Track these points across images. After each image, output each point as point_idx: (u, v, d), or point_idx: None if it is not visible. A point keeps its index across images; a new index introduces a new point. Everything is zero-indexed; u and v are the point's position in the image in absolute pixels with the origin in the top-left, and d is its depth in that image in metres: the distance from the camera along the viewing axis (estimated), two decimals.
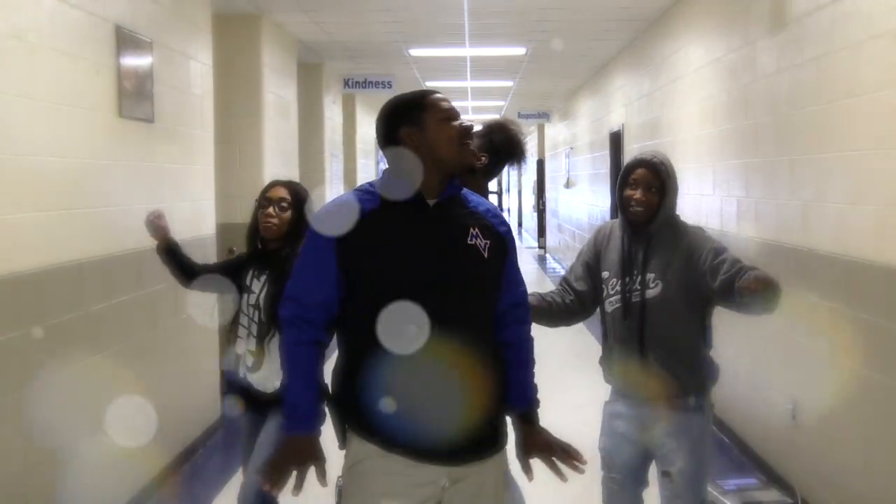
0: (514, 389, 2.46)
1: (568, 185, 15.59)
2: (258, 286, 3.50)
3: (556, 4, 7.73)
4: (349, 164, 13.36)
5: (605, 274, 3.31)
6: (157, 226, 3.77)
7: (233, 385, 3.64)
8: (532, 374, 2.53)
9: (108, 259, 4.48)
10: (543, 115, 18.26)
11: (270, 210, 3.52)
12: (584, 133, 13.87)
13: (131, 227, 4.78)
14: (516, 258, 2.53)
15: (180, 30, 5.63)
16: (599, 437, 3.43)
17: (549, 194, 20.42)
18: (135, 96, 4.79)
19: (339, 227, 2.32)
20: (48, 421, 3.87)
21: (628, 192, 3.25)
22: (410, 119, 2.38)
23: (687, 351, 3.24)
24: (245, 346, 3.51)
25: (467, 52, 10.34)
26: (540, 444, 2.47)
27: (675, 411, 3.22)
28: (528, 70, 11.93)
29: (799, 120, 4.75)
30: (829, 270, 4.37)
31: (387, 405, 2.27)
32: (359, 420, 2.32)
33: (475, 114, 18.95)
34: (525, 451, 2.48)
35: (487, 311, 2.43)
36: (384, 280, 2.28)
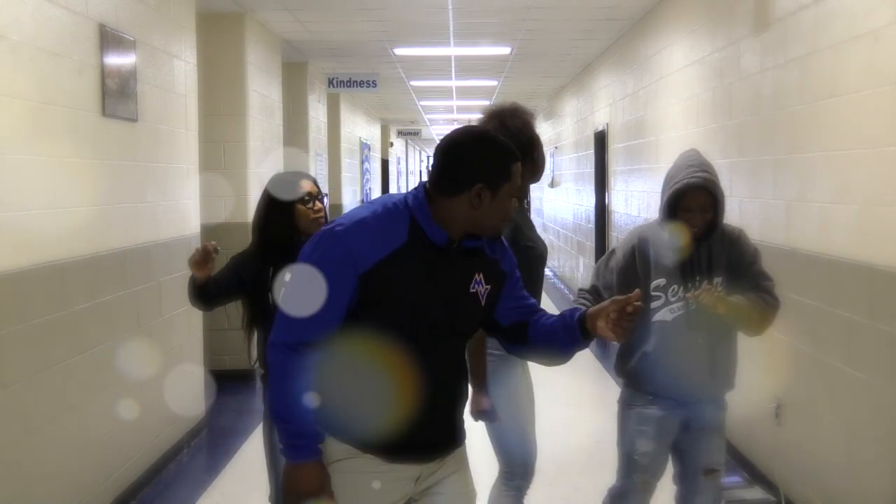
0: (560, 330, 2.37)
1: (552, 184, 15.62)
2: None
3: (541, 4, 7.74)
4: (333, 163, 13.34)
5: (661, 281, 3.27)
6: (206, 262, 3.46)
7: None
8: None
9: (91, 258, 4.45)
10: (530, 115, 18.25)
11: (318, 205, 3.43)
12: (569, 132, 13.90)
13: (115, 227, 4.77)
14: (516, 280, 2.48)
15: (164, 29, 5.61)
16: (625, 440, 3.43)
17: (533, 194, 20.43)
18: (118, 95, 4.76)
19: (370, 253, 2.20)
20: (30, 421, 3.85)
21: (684, 216, 3.23)
22: (491, 181, 2.23)
23: (735, 350, 3.39)
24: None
25: (452, 51, 10.34)
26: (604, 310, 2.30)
27: (717, 409, 3.38)
28: (513, 69, 11.94)
29: (782, 119, 4.78)
30: (811, 269, 4.39)
31: (362, 408, 2.28)
32: (332, 421, 2.32)
33: (460, 113, 18.98)
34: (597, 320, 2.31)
35: (462, 340, 2.46)
36: (385, 318, 2.24)
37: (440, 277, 2.27)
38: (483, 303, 2.37)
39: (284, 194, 3.43)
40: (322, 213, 3.45)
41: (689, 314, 3.24)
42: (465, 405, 2.49)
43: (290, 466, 2.24)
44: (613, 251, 3.45)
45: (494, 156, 2.25)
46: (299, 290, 2.23)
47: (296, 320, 2.22)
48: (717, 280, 3.24)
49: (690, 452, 3.38)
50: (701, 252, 3.27)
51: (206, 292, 3.49)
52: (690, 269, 3.24)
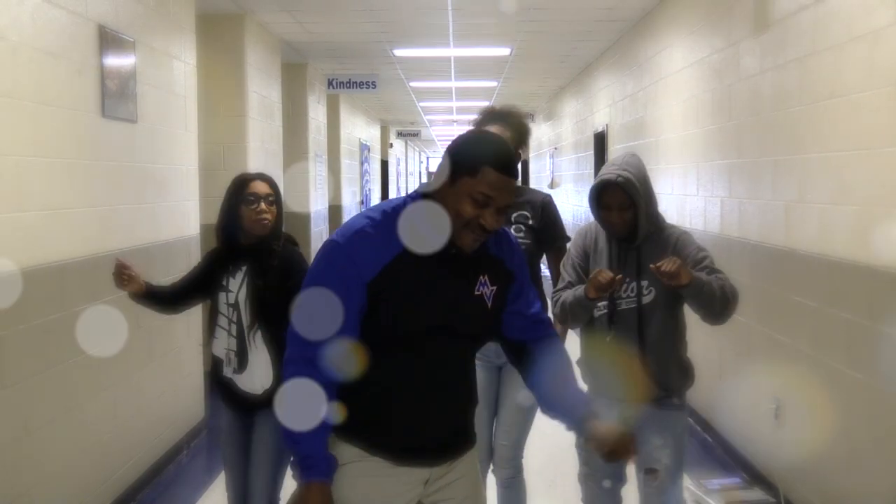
0: (569, 403, 2.41)
1: (552, 185, 15.61)
2: (235, 284, 3.42)
3: (541, 5, 7.74)
4: (333, 164, 13.35)
5: None
6: (124, 277, 3.64)
7: (218, 385, 3.60)
8: (576, 385, 2.50)
9: (91, 259, 4.45)
10: (528, 116, 18.26)
11: (263, 206, 3.41)
12: (569, 133, 13.90)
13: (114, 228, 4.77)
14: (527, 291, 2.46)
15: (164, 29, 5.61)
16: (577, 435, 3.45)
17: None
18: (118, 96, 4.76)
19: (373, 261, 2.19)
20: (30, 422, 3.85)
21: (603, 213, 3.27)
22: (454, 167, 2.19)
23: (675, 352, 3.33)
24: (225, 346, 3.45)
25: (452, 52, 10.35)
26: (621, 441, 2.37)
27: (661, 410, 3.28)
28: (513, 70, 11.95)
29: (782, 120, 4.78)
30: (811, 270, 4.39)
31: (370, 411, 2.27)
32: (342, 426, 2.31)
33: (459, 114, 18.97)
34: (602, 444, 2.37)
35: (480, 342, 2.46)
36: (392, 325, 2.23)
37: (441, 280, 2.25)
38: (490, 304, 2.34)
39: (235, 195, 3.46)
40: (266, 217, 3.41)
41: (613, 314, 3.25)
42: (474, 408, 2.47)
43: (301, 485, 2.21)
44: (569, 250, 3.49)
45: (470, 147, 2.23)
46: (310, 309, 2.21)
47: (302, 336, 2.20)
48: (644, 283, 3.23)
49: (637, 453, 3.36)
50: (629, 256, 3.27)
51: (158, 298, 3.72)
52: (620, 270, 3.22)
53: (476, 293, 2.32)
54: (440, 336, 2.27)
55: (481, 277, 2.32)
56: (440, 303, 2.25)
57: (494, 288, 2.35)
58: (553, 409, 2.46)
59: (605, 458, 2.35)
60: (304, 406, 2.18)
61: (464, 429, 2.43)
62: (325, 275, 2.21)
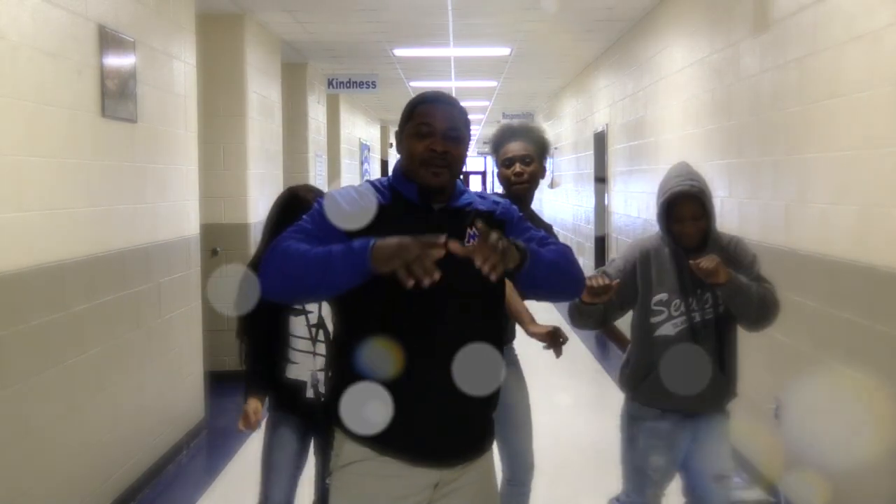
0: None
1: (552, 185, 15.62)
2: (312, 304, 3.34)
3: (541, 4, 7.74)
4: (333, 164, 13.34)
5: (663, 296, 3.26)
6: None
7: (281, 398, 3.45)
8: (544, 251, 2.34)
9: (91, 259, 4.45)
10: (528, 116, 18.28)
11: None
12: (569, 133, 13.90)
13: (114, 228, 4.77)
14: (522, 226, 2.43)
15: (164, 29, 5.61)
16: (636, 454, 3.39)
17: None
18: (118, 96, 4.76)
19: (353, 218, 2.26)
20: (30, 422, 3.85)
21: (676, 227, 3.24)
22: (400, 125, 2.38)
23: (736, 360, 3.40)
24: (311, 368, 3.35)
25: (451, 52, 10.34)
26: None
27: (723, 417, 3.38)
28: (513, 70, 11.95)
29: (782, 120, 4.78)
30: (811, 270, 4.39)
31: (376, 400, 2.24)
32: (350, 419, 2.30)
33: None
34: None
35: (486, 311, 2.37)
36: (379, 283, 2.20)
37: (424, 233, 2.18)
38: None
39: (295, 218, 3.28)
40: None
41: (693, 327, 3.24)
42: (492, 408, 2.42)
43: (369, 250, 2.07)
44: (614, 260, 3.45)
45: (408, 103, 2.38)
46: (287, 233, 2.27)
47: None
48: (719, 294, 3.23)
49: (699, 462, 3.37)
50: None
51: (265, 371, 3.42)
52: (691, 282, 3.23)
53: (466, 244, 2.27)
54: (429, 296, 2.16)
55: (469, 230, 2.32)
56: None
57: None
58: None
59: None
60: (303, 251, 2.16)
61: (478, 430, 2.38)
62: (309, 216, 2.30)
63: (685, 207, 3.20)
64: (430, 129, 2.30)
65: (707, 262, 3.07)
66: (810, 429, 4.46)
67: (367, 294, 2.20)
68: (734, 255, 3.28)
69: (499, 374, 2.44)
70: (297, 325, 3.38)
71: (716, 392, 3.31)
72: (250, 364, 3.42)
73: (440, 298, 2.21)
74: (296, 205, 3.26)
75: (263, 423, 3.48)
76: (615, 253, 9.12)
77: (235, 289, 3.44)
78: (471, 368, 2.27)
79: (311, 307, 3.37)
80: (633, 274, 3.30)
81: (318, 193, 3.34)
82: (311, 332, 3.37)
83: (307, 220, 2.30)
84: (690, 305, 3.23)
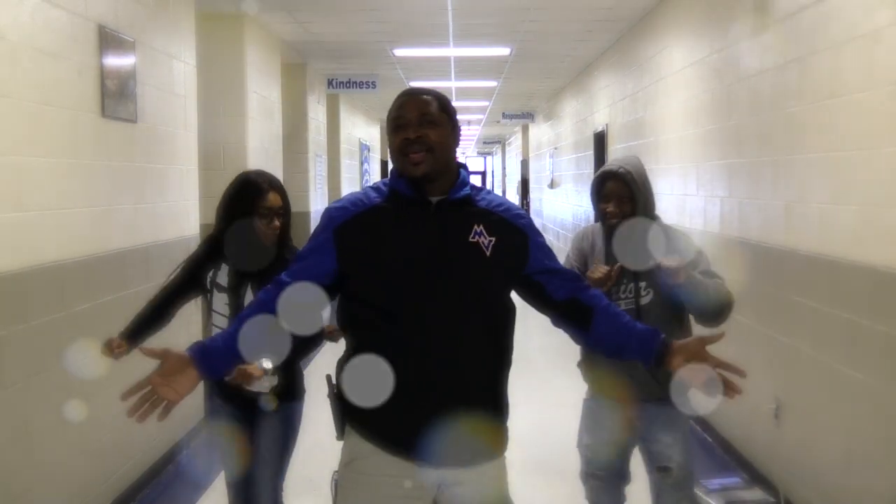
0: (635, 340, 2.38)
1: (552, 185, 15.62)
2: (223, 278, 3.40)
3: (541, 4, 7.74)
4: (333, 164, 13.35)
5: None
6: (113, 352, 3.49)
7: (217, 384, 3.58)
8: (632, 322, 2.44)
9: (91, 259, 4.45)
10: (528, 116, 18.30)
11: (276, 222, 3.30)
12: (569, 133, 13.90)
13: (114, 228, 4.77)
14: (548, 250, 2.45)
15: (164, 30, 5.61)
16: (579, 434, 3.51)
17: (533, 194, 20.45)
18: (118, 96, 4.76)
19: (347, 212, 2.35)
20: (30, 422, 3.84)
21: (602, 205, 3.33)
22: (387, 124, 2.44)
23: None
24: None
25: (451, 52, 10.35)
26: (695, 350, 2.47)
27: (664, 408, 3.27)
28: (513, 70, 11.95)
29: (782, 120, 4.78)
30: (811, 270, 4.39)
31: (377, 391, 2.26)
32: (359, 416, 2.31)
33: (459, 115, 18.92)
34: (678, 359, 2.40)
35: (489, 313, 2.36)
36: (378, 277, 2.27)
37: (426, 228, 2.30)
38: (489, 253, 2.31)
39: (245, 203, 3.29)
40: (275, 232, 3.31)
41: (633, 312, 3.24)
42: (502, 410, 2.40)
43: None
44: (568, 254, 3.52)
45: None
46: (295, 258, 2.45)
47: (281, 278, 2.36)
48: (642, 284, 3.25)
49: (647, 452, 3.42)
50: None
51: (144, 329, 3.62)
52: (619, 272, 3.24)
53: (471, 240, 2.31)
54: (428, 288, 2.25)
55: (476, 227, 2.33)
56: (420, 249, 2.27)
57: (493, 238, 2.33)
58: (628, 350, 2.39)
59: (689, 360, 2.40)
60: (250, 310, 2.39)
61: (485, 432, 2.36)
62: (315, 232, 2.39)
63: (611, 188, 3.29)
64: (403, 120, 2.34)
65: (670, 261, 3.10)
66: (810, 428, 4.46)
67: (367, 294, 2.27)
68: (672, 250, 3.25)
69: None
70: (218, 302, 3.43)
71: (650, 380, 3.23)
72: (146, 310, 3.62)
73: (440, 301, 2.26)
74: (247, 189, 3.32)
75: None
76: None
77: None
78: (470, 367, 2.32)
79: (222, 280, 3.42)
80: (584, 262, 3.41)
81: (270, 178, 3.41)
82: (228, 311, 3.40)
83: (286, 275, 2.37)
84: (615, 294, 3.26)
